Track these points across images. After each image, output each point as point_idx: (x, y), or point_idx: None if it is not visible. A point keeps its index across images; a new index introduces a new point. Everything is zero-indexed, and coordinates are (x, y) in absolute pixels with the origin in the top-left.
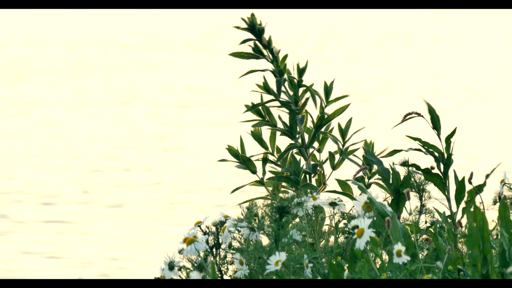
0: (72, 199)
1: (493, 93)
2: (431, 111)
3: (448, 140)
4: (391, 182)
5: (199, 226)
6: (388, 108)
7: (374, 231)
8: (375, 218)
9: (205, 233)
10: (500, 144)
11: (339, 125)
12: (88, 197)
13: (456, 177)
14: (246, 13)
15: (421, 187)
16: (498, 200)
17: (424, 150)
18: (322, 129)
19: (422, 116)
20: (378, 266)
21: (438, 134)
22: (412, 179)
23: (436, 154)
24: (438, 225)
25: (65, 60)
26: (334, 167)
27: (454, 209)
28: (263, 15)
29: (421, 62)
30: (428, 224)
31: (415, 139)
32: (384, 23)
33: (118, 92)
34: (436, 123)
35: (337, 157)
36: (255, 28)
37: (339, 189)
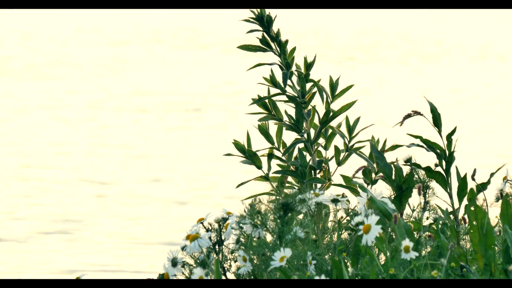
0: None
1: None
2: (433, 109)
3: (449, 137)
4: (393, 178)
5: (202, 223)
6: (392, 105)
7: (382, 227)
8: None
9: (207, 230)
10: (502, 142)
11: (347, 121)
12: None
13: (458, 174)
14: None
15: (425, 184)
16: (500, 197)
17: (425, 147)
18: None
19: (422, 114)
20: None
21: (439, 132)
22: (416, 176)
23: (438, 151)
24: (440, 222)
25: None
26: (339, 163)
27: (456, 205)
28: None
29: (425, 63)
30: (431, 221)
31: (416, 137)
32: (388, 23)
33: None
34: (437, 121)
35: (342, 154)
36: (263, 19)
37: (344, 185)
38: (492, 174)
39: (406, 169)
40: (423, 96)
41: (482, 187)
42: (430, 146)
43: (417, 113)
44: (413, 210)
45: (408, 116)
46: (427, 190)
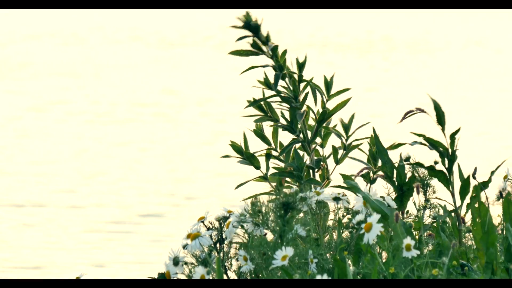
0: None
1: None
2: (437, 107)
3: (452, 136)
4: (394, 179)
5: (203, 222)
6: (392, 103)
7: (383, 226)
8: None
9: (208, 229)
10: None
11: (341, 120)
12: None
13: (460, 172)
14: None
15: (425, 182)
16: (501, 196)
17: (428, 145)
18: (324, 124)
19: (425, 112)
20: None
21: (443, 130)
22: (416, 174)
23: (441, 149)
24: (440, 220)
25: None
26: (337, 162)
27: (458, 204)
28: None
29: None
30: (431, 220)
31: (419, 135)
32: (386, 23)
33: None
34: (441, 119)
35: (340, 152)
36: (250, 25)
37: (343, 183)
38: (492, 173)
39: (407, 168)
40: (427, 94)
41: (483, 185)
42: (433, 144)
43: (420, 110)
44: (418, 210)
45: (410, 112)
46: (428, 188)
